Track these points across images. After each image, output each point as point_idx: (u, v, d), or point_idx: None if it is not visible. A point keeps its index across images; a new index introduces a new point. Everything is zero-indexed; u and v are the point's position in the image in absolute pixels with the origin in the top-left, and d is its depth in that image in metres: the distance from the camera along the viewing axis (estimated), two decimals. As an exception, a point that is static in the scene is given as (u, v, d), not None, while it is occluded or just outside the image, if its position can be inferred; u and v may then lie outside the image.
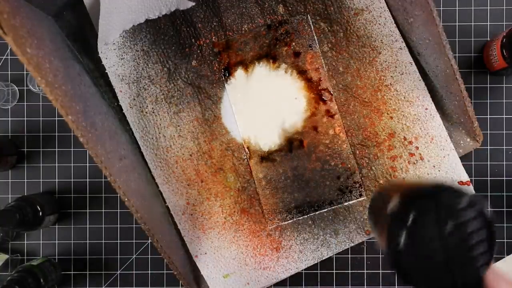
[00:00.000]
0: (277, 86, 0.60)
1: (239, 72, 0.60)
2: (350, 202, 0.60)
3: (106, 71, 0.60)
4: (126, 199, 0.46)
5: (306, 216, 0.60)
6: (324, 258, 0.61)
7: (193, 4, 0.54)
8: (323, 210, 0.60)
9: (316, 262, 0.60)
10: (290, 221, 0.60)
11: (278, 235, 0.60)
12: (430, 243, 0.29)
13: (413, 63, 0.59)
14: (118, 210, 0.63)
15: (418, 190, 0.30)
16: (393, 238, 0.29)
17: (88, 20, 0.58)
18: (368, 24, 0.60)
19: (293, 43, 0.60)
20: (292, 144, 0.60)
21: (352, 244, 0.61)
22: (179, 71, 0.60)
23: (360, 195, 0.60)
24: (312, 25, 0.60)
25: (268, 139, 0.60)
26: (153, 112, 0.60)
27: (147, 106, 0.60)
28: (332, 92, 0.60)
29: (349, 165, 0.60)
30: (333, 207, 0.60)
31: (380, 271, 0.63)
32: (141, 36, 0.60)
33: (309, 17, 0.60)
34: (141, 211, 0.49)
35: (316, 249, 0.60)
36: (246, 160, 0.61)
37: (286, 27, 0.60)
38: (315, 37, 0.60)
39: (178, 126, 0.60)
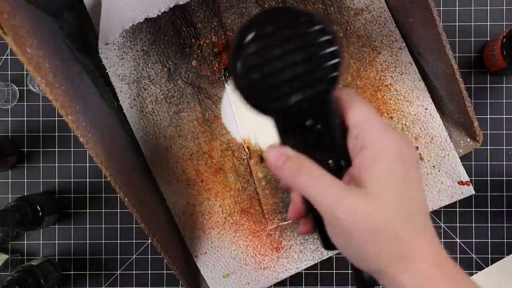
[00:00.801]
0: (277, 86, 0.60)
1: (239, 72, 0.60)
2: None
3: (106, 71, 0.60)
4: (126, 199, 0.46)
5: (306, 216, 0.60)
6: (324, 258, 0.61)
7: None
8: (323, 210, 0.60)
9: (316, 262, 0.60)
10: (290, 221, 0.60)
11: (278, 235, 0.60)
12: (275, 64, 0.28)
13: (413, 63, 0.59)
14: (118, 210, 0.63)
15: (255, 18, 0.29)
16: (235, 70, 0.29)
17: (88, 20, 0.58)
18: (368, 24, 0.60)
19: (293, 43, 0.60)
20: (292, 144, 0.60)
21: (352, 244, 0.61)
22: (179, 71, 0.60)
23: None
24: (312, 25, 0.60)
25: (268, 139, 0.60)
26: (153, 112, 0.60)
27: (147, 106, 0.60)
28: (332, 92, 0.60)
29: (349, 165, 0.60)
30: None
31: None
32: (141, 36, 0.60)
33: (309, 17, 0.60)
34: (141, 211, 0.49)
35: (316, 249, 0.60)
36: (246, 160, 0.61)
37: (286, 27, 0.60)
38: (315, 37, 0.60)
39: (178, 126, 0.60)
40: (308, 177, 0.29)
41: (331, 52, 0.28)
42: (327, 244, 0.32)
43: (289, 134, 0.31)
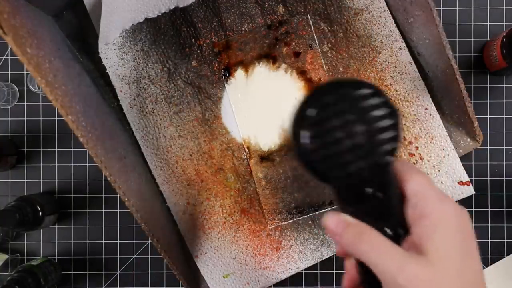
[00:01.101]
0: (277, 86, 0.60)
1: (239, 72, 0.60)
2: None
3: (106, 71, 0.60)
4: (126, 199, 0.46)
5: (306, 216, 0.60)
6: (324, 258, 0.61)
7: (193, 0, 0.54)
8: (323, 210, 0.60)
9: (316, 262, 0.60)
10: (290, 221, 0.60)
11: (278, 235, 0.60)
12: (335, 134, 0.29)
13: (413, 63, 0.59)
14: (118, 210, 0.63)
15: (317, 89, 0.30)
16: (298, 139, 0.30)
17: (88, 20, 0.58)
18: (368, 24, 0.60)
19: (293, 43, 0.60)
20: (292, 144, 0.60)
21: (352, 244, 0.61)
22: (179, 71, 0.60)
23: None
24: (312, 25, 0.60)
25: (268, 139, 0.60)
26: (153, 112, 0.60)
27: (147, 106, 0.60)
28: (332, 92, 0.60)
29: (349, 165, 0.60)
30: (333, 207, 0.60)
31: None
32: (141, 36, 0.60)
33: (309, 17, 0.60)
34: (141, 211, 0.49)
35: (316, 249, 0.60)
36: (246, 160, 0.61)
37: (286, 27, 0.60)
38: (315, 37, 0.60)
39: (178, 126, 0.60)
40: (369, 244, 0.30)
41: (389, 125, 0.30)
42: None
43: (348, 201, 0.32)
